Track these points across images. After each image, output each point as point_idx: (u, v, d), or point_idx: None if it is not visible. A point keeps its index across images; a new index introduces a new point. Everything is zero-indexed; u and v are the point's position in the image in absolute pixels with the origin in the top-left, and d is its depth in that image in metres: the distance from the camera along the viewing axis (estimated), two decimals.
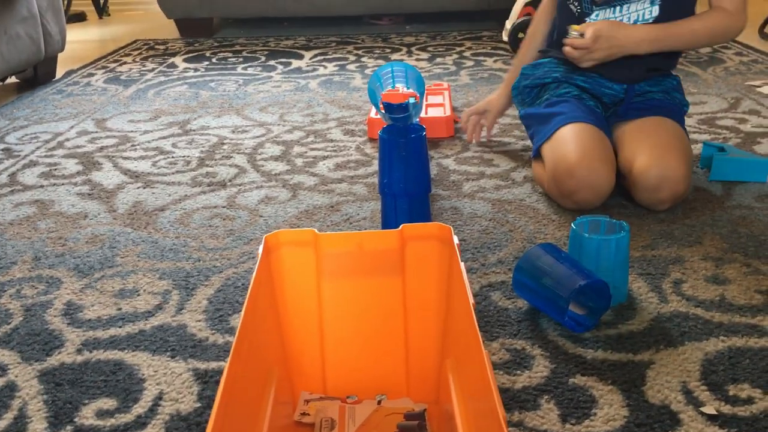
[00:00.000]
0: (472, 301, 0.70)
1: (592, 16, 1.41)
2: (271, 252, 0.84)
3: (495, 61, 2.59)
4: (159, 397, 0.87)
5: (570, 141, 1.31)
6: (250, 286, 0.74)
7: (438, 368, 0.82)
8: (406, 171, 1.22)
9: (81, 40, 3.41)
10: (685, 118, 1.44)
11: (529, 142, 1.72)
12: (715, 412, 0.81)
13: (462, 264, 0.78)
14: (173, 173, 1.60)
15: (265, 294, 0.80)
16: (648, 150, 1.29)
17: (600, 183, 1.27)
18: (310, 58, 2.74)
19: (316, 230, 0.84)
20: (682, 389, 0.85)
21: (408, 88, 1.28)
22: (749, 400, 0.83)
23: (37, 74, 2.44)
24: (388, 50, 2.85)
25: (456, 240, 0.82)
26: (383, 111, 1.22)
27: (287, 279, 0.84)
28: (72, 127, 1.96)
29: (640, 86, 1.42)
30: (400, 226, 0.84)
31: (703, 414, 0.81)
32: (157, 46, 3.08)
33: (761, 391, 0.85)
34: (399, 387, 0.85)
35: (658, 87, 1.43)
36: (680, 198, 1.30)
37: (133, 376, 0.91)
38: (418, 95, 1.27)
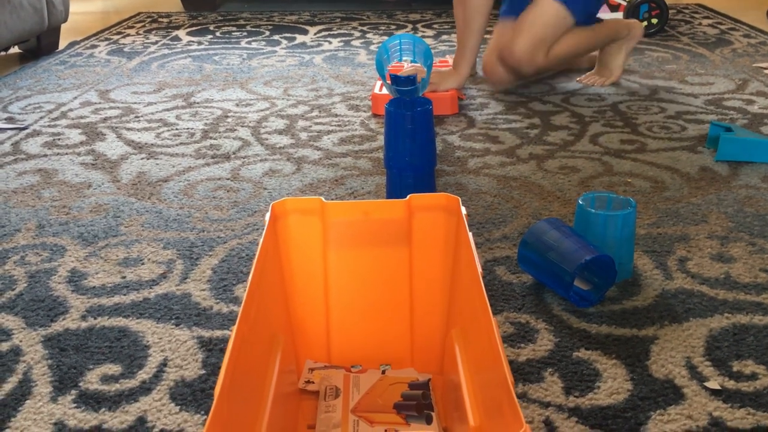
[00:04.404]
0: (480, 270, 0.70)
1: None
2: (278, 219, 0.83)
3: None
4: (164, 364, 0.87)
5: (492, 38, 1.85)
6: (257, 253, 0.73)
7: (443, 339, 0.82)
8: (411, 144, 1.21)
9: (84, 11, 3.39)
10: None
11: (534, 120, 1.72)
12: (719, 387, 0.81)
13: (470, 234, 0.77)
14: (177, 145, 1.59)
15: (272, 261, 0.80)
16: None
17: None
18: (315, 34, 2.72)
19: (323, 198, 0.84)
20: (686, 364, 0.85)
21: (415, 61, 1.27)
22: (753, 376, 0.83)
23: (40, 45, 2.42)
24: (393, 27, 2.83)
25: (464, 211, 0.81)
26: (390, 83, 1.21)
27: (293, 247, 0.84)
28: (75, 97, 1.95)
29: None
30: (408, 196, 0.84)
31: (706, 389, 0.81)
32: (160, 19, 3.06)
33: (765, 368, 0.85)
34: (403, 357, 0.85)
35: None
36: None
37: (138, 342, 0.91)
38: (425, 69, 1.27)
